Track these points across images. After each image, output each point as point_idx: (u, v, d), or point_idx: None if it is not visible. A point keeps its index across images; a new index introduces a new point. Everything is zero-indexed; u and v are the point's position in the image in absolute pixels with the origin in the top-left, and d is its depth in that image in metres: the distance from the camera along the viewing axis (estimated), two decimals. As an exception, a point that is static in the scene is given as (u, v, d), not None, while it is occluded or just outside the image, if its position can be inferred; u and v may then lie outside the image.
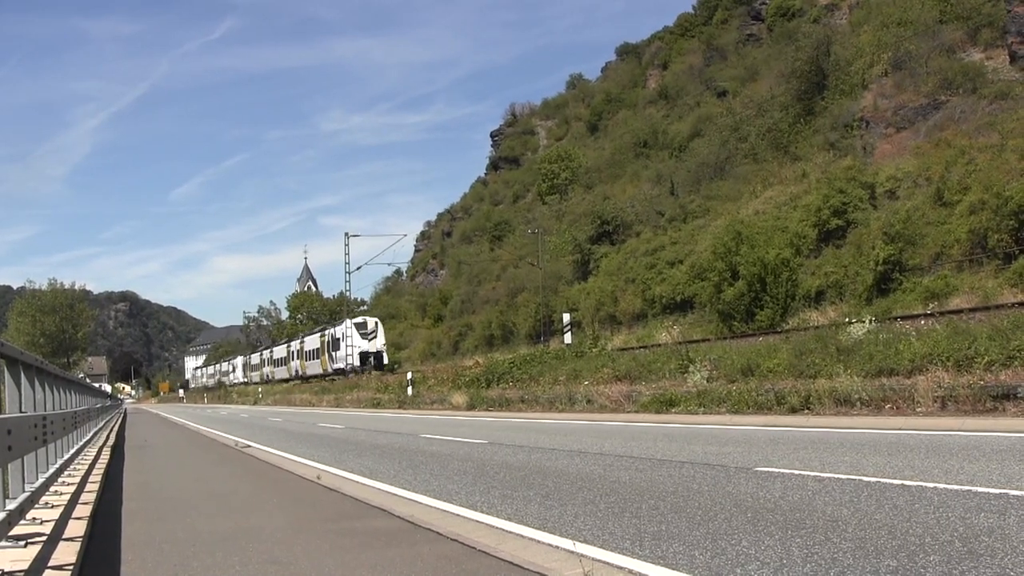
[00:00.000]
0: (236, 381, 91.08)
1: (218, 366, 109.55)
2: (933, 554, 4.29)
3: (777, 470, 7.63)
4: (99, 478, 10.14)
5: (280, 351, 75.35)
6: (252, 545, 5.70)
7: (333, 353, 56.25)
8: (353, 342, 53.66)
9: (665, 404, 16.17)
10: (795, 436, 10.79)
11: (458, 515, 6.56)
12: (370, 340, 53.89)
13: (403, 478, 9.27)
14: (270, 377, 76.05)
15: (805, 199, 37.96)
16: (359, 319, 56.55)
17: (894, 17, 44.14)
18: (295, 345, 69.51)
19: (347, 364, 53.64)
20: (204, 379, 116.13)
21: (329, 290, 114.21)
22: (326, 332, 60.25)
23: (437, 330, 66.70)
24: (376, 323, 56.01)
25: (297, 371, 66.99)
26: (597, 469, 8.81)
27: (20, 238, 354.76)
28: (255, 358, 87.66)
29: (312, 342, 63.62)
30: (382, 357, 54.09)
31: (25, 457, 5.88)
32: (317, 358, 60.82)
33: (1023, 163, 28.70)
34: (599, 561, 4.63)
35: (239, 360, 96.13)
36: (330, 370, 56.98)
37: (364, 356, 53.42)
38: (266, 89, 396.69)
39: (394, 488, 8.42)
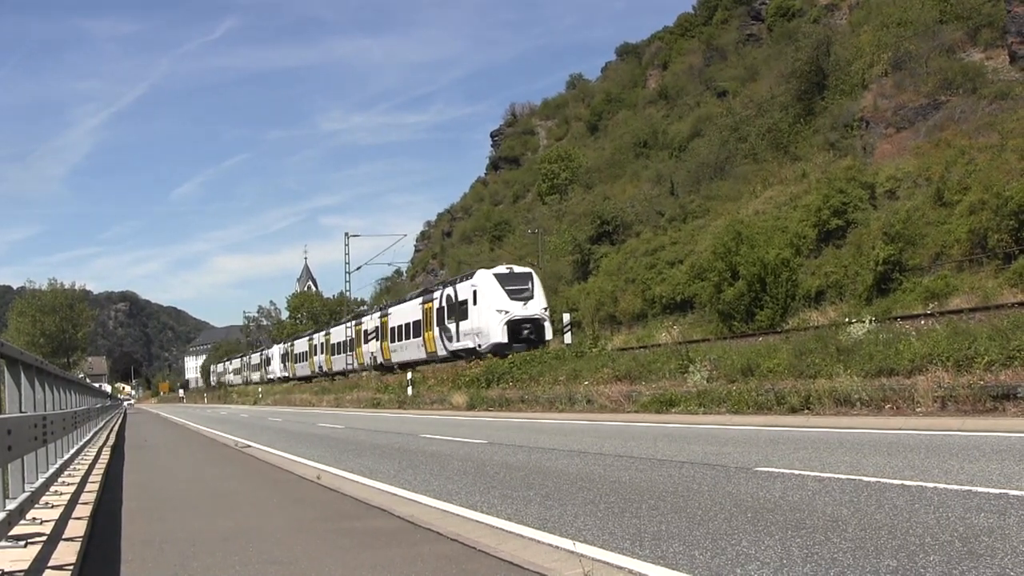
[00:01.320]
0: (273, 376, 73.63)
1: (245, 359, 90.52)
2: (933, 554, 4.29)
3: (777, 470, 7.63)
4: (99, 478, 10.14)
5: (340, 332, 55.65)
6: (252, 545, 5.70)
7: (453, 326, 35.62)
8: (496, 304, 32.87)
9: (665, 404, 16.17)
10: (795, 436, 10.79)
11: (458, 515, 6.56)
12: (525, 302, 32.77)
13: (403, 478, 9.27)
14: (323, 369, 58.65)
15: (805, 199, 37.99)
16: (502, 269, 34.94)
17: (894, 17, 44.18)
18: (370, 321, 49.22)
19: (480, 342, 33.24)
20: (228, 375, 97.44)
21: (329, 290, 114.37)
22: (435, 295, 38.48)
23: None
24: (531, 275, 34.48)
25: (374, 357, 47.09)
26: (597, 469, 8.81)
27: (20, 238, 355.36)
28: (301, 345, 67.78)
29: (407, 312, 42.21)
30: (543, 328, 33.06)
31: (25, 457, 5.88)
32: (416, 335, 40.26)
33: (1023, 163, 28.73)
34: (599, 561, 4.63)
35: (275, 350, 76.31)
36: (445, 351, 36.66)
37: (516, 327, 32.48)
38: (266, 89, 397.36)
39: (394, 488, 8.42)
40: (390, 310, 46.01)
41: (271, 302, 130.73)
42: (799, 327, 20.07)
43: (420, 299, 40.87)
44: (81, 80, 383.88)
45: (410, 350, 40.87)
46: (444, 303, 36.77)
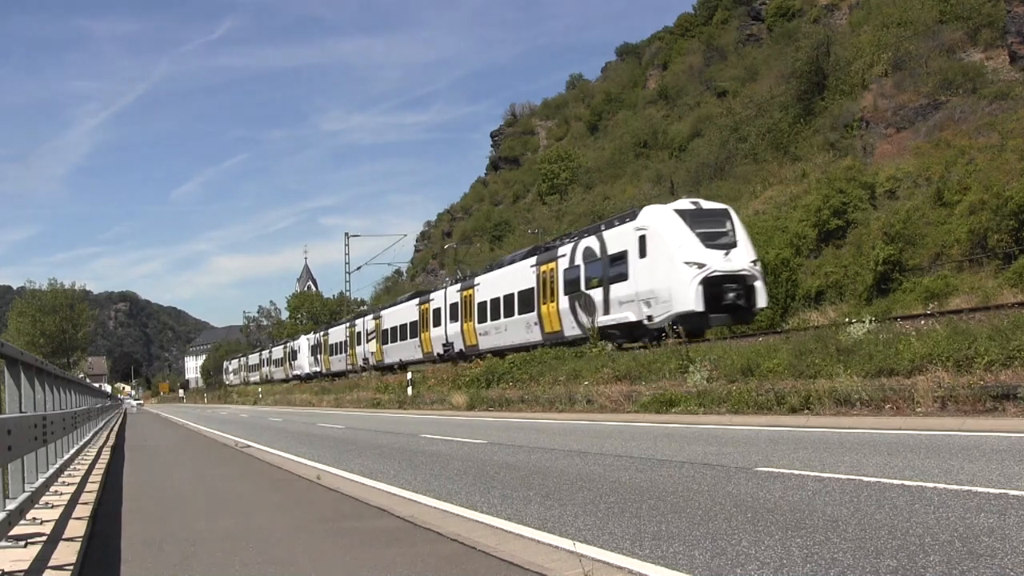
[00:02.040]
0: (300, 372, 63.94)
1: (264, 354, 79.23)
2: (933, 554, 4.29)
3: (777, 470, 7.63)
4: (99, 478, 10.14)
5: (396, 315, 44.34)
6: (252, 545, 5.70)
7: (597, 292, 24.92)
8: (683, 254, 21.76)
9: (665, 404, 16.16)
10: (795, 436, 10.79)
11: (458, 515, 6.56)
12: (726, 251, 21.99)
13: (403, 478, 9.27)
14: (371, 361, 47.66)
15: (805, 199, 37.99)
16: (684, 203, 23.81)
17: (894, 17, 44.22)
18: (442, 298, 37.70)
19: (653, 312, 22.33)
20: (243, 372, 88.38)
21: (329, 290, 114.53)
22: (561, 251, 27.62)
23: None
24: (728, 212, 23.45)
25: (451, 344, 36.31)
26: (597, 469, 8.81)
27: (20, 238, 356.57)
28: (338, 333, 55.87)
29: (507, 280, 31.37)
30: (754, 291, 22.04)
31: (25, 457, 5.88)
32: (525, 310, 29.56)
33: (1023, 163, 28.74)
34: (599, 561, 4.63)
35: (303, 342, 64.91)
36: (578, 330, 26.09)
37: (717, 288, 21.59)
38: (266, 89, 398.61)
39: (394, 488, 8.42)
40: (478, 279, 34.35)
41: (271, 302, 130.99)
42: (799, 327, 20.05)
43: (531, 260, 29.67)
44: (81, 80, 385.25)
45: (513, 331, 30.29)
46: (580, 260, 26.05)
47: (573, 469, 8.97)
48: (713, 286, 21.40)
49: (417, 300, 41.79)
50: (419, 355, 40.50)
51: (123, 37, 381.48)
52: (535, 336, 28.88)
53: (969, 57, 39.86)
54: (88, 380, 35.83)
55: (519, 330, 29.94)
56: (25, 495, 5.73)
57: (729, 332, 22.06)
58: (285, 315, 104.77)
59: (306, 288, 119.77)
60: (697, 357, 17.24)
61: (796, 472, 7.41)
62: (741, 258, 22.01)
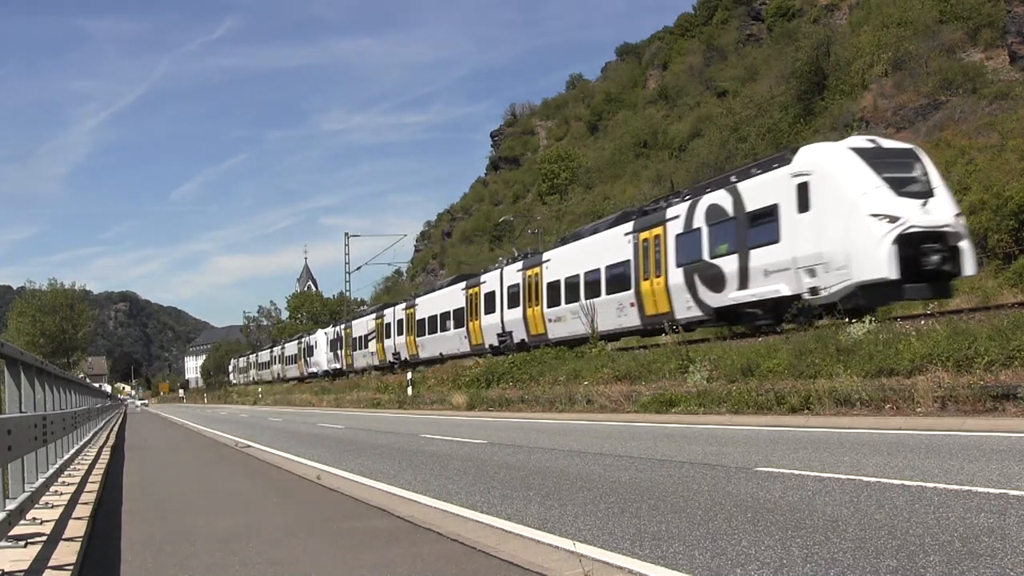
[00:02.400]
0: (317, 369, 58.53)
1: (276, 350, 73.82)
2: (933, 554, 4.29)
3: (777, 470, 7.63)
4: (99, 478, 10.14)
5: (435, 302, 38.70)
6: (252, 545, 5.70)
7: (729, 261, 19.50)
8: (868, 204, 16.12)
9: (665, 404, 16.17)
10: (795, 436, 10.79)
11: (458, 515, 6.56)
12: (923, 200, 16.45)
13: (403, 478, 9.27)
14: (403, 355, 42.45)
15: (805, 199, 37.94)
16: (859, 141, 18.23)
17: (894, 17, 44.20)
18: (496, 280, 32.23)
19: (820, 283, 16.95)
20: (252, 371, 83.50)
21: (329, 290, 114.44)
22: (672, 211, 21.87)
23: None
24: (915, 153, 18.11)
25: (509, 334, 31.04)
26: (597, 469, 8.81)
27: (20, 238, 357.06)
28: (363, 325, 49.88)
29: (587, 254, 25.91)
30: (959, 252, 16.30)
31: (25, 457, 5.89)
32: (615, 289, 24.15)
33: (1023, 163, 28.74)
34: (599, 561, 4.63)
35: (321, 336, 59.32)
36: (699, 310, 20.93)
37: (916, 248, 15.94)
38: (266, 89, 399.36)
39: (394, 488, 8.42)
40: (547, 255, 28.65)
41: (271, 302, 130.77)
42: (799, 327, 20.04)
43: (626, 227, 24.02)
44: (81, 80, 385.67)
45: (603, 315, 24.43)
46: (702, 221, 20.58)
47: (573, 469, 8.97)
48: (910, 246, 16.12)
49: (463, 284, 35.55)
50: (465, 347, 34.38)
51: (123, 37, 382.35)
52: (630, 320, 23.48)
53: (969, 57, 39.86)
54: (88, 380, 35.83)
55: (607, 314, 24.29)
56: (25, 495, 5.73)
57: (729, 332, 22.00)
58: (285, 315, 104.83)
59: (306, 288, 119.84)
60: (697, 357, 17.24)
61: (796, 472, 7.41)
62: (942, 210, 16.75)
